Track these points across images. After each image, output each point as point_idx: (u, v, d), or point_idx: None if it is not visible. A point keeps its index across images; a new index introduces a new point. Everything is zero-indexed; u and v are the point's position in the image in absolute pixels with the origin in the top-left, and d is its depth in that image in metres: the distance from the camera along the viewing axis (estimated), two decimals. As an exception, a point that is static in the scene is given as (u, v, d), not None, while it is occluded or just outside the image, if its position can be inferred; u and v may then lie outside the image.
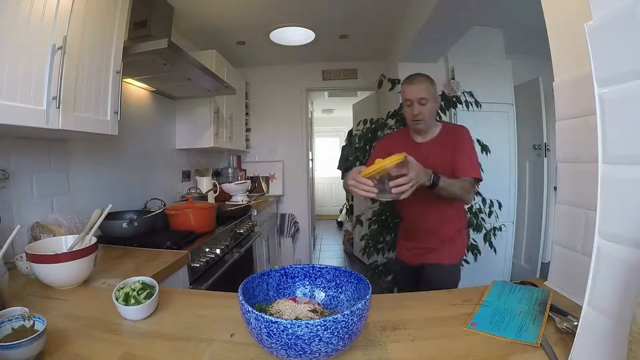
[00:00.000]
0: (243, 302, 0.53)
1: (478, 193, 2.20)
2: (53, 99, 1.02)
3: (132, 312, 0.72)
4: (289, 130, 3.68)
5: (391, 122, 2.51)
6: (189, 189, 2.46)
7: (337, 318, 0.48)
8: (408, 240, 1.50)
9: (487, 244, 2.28)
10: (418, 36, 2.33)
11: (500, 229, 2.34)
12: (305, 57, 3.33)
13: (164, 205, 1.87)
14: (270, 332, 0.49)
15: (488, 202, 2.30)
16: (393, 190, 0.97)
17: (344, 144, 4.64)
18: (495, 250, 2.29)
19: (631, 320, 0.38)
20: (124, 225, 1.44)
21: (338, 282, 0.69)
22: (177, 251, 1.36)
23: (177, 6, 2.05)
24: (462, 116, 2.62)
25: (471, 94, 2.32)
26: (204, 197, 2.35)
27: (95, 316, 0.74)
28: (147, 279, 0.79)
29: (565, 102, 0.79)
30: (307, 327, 0.47)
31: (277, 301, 0.67)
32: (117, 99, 1.36)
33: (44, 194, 1.35)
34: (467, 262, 2.13)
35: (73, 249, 0.92)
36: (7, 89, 0.90)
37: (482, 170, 1.42)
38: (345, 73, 3.60)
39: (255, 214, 2.58)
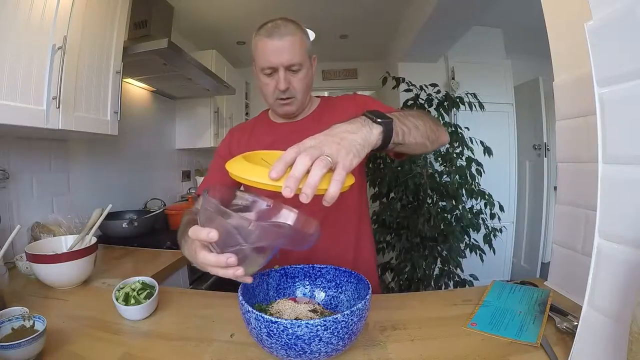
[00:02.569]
0: (243, 302, 0.53)
1: (479, 193, 2.20)
2: (53, 99, 1.02)
3: (132, 312, 0.72)
4: (289, 130, 3.67)
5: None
6: (189, 189, 2.46)
7: (337, 318, 0.48)
8: None
9: (486, 244, 2.28)
10: (418, 36, 2.33)
11: (500, 230, 2.34)
12: (305, 57, 3.32)
13: (164, 205, 1.87)
14: (270, 332, 0.49)
15: (489, 202, 2.29)
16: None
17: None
18: (494, 251, 2.29)
19: (631, 320, 0.38)
20: (124, 225, 1.44)
21: (338, 282, 0.69)
22: (177, 251, 1.36)
23: (177, 6, 2.04)
24: (462, 117, 2.62)
25: (474, 96, 2.32)
26: (204, 197, 2.34)
27: (95, 316, 0.74)
28: (147, 279, 0.79)
29: (565, 102, 0.79)
30: (307, 327, 0.47)
31: (277, 301, 0.67)
32: (117, 99, 1.36)
33: (44, 194, 1.35)
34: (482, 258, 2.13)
35: (73, 249, 0.92)
36: (7, 89, 0.90)
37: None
38: (345, 73, 3.60)
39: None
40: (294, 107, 0.90)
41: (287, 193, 0.42)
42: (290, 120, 0.95)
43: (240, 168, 0.49)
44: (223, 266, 0.49)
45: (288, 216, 0.59)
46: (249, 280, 0.54)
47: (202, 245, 0.52)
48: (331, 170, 0.46)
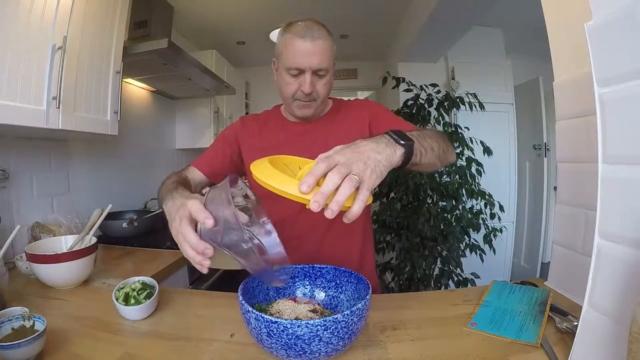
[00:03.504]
0: (243, 302, 0.53)
1: (479, 193, 2.20)
2: (53, 99, 1.02)
3: (132, 312, 0.72)
4: (289, 130, 3.67)
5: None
6: (189, 189, 2.46)
7: (337, 318, 0.48)
8: None
9: (486, 244, 2.28)
10: (418, 36, 2.33)
11: (500, 230, 2.34)
12: (305, 57, 3.32)
13: (164, 205, 1.87)
14: (270, 332, 0.49)
15: (489, 202, 2.29)
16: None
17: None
18: (494, 251, 2.29)
19: (631, 320, 0.38)
20: (124, 225, 1.44)
21: (338, 282, 0.69)
22: (177, 251, 1.34)
23: (177, 6, 2.05)
24: (462, 117, 2.62)
25: (475, 96, 2.32)
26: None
27: (95, 316, 0.74)
28: (147, 279, 0.79)
29: (565, 102, 0.79)
30: (307, 327, 0.47)
31: (277, 301, 0.67)
32: (117, 99, 1.36)
33: (44, 194, 1.35)
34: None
35: (73, 249, 0.92)
36: (7, 89, 0.90)
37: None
38: (345, 73, 3.60)
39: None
40: (312, 110, 0.89)
41: (315, 207, 0.43)
42: (303, 121, 0.94)
43: (268, 174, 0.49)
44: (198, 252, 0.50)
45: (275, 245, 0.60)
46: (205, 271, 0.53)
47: (190, 218, 0.52)
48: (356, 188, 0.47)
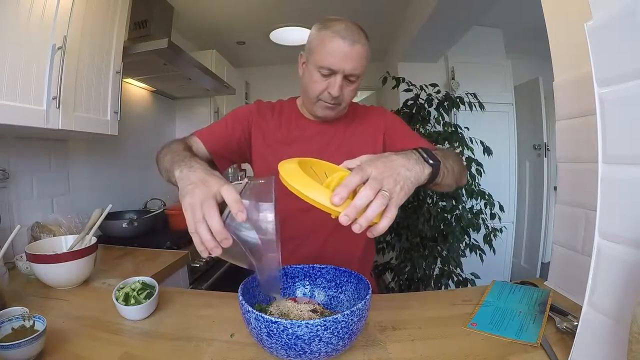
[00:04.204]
0: (243, 302, 0.53)
1: (479, 193, 2.20)
2: (53, 99, 1.02)
3: (132, 312, 0.72)
4: (289, 130, 3.67)
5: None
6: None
7: (337, 318, 0.48)
8: None
9: (486, 244, 2.28)
10: (418, 36, 2.33)
11: (500, 230, 2.34)
12: (305, 57, 3.32)
13: (164, 205, 1.87)
14: (270, 332, 0.49)
15: (489, 202, 2.29)
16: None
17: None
18: (494, 251, 2.29)
19: (631, 320, 0.38)
20: (124, 225, 1.44)
21: (338, 282, 0.69)
22: (177, 251, 1.36)
23: (177, 6, 2.05)
24: (462, 117, 2.62)
25: (475, 96, 2.32)
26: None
27: (95, 316, 0.74)
28: (147, 279, 0.79)
29: (565, 102, 0.79)
30: (307, 327, 0.47)
31: (277, 301, 0.67)
32: (117, 99, 1.36)
33: (44, 194, 1.35)
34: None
35: (73, 249, 0.92)
36: (7, 89, 0.90)
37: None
38: (345, 73, 3.60)
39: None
40: (335, 113, 0.87)
41: (345, 221, 0.44)
42: (320, 120, 0.91)
43: (298, 179, 0.47)
44: (218, 238, 0.47)
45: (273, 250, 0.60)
46: (204, 254, 0.50)
47: (214, 198, 0.49)
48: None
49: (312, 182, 0.47)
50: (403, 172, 0.50)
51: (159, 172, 0.73)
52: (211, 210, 0.48)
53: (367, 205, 0.45)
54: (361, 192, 0.45)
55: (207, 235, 0.47)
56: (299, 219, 0.85)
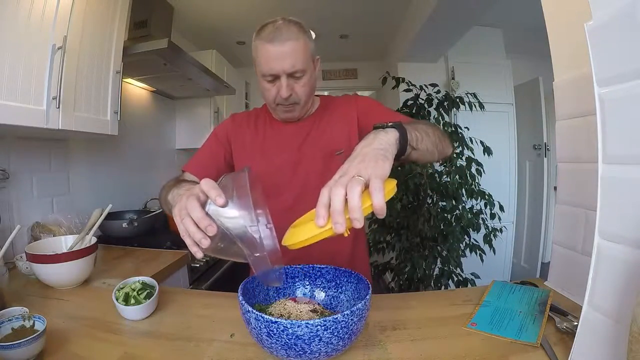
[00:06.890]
0: (243, 302, 0.53)
1: (479, 193, 2.20)
2: (53, 99, 1.02)
3: (132, 312, 0.72)
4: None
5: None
6: (189, 189, 2.46)
7: (337, 318, 0.48)
8: None
9: (486, 244, 2.28)
10: (418, 36, 2.33)
11: (500, 230, 2.34)
12: (305, 57, 3.33)
13: (164, 205, 1.87)
14: (270, 332, 0.49)
15: (489, 202, 2.29)
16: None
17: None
18: (494, 251, 2.29)
19: (631, 320, 0.38)
20: (124, 225, 1.44)
21: (338, 282, 0.69)
22: (177, 251, 1.36)
23: (177, 6, 2.05)
24: (462, 117, 2.62)
25: (475, 96, 2.32)
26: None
27: (95, 316, 0.74)
28: (147, 279, 0.79)
29: (565, 102, 0.79)
30: (307, 327, 0.47)
31: (277, 301, 0.67)
32: (117, 99, 1.36)
33: (44, 194, 1.35)
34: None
35: (73, 249, 0.92)
36: (7, 89, 0.90)
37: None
38: (345, 73, 3.60)
39: (255, 213, 2.58)
40: (296, 113, 0.87)
41: (340, 229, 0.42)
42: (291, 121, 0.93)
43: (294, 237, 0.48)
44: (201, 227, 0.48)
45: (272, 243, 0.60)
46: (199, 255, 0.51)
47: (196, 196, 0.50)
48: (367, 186, 0.45)
49: (301, 228, 0.48)
50: (367, 151, 0.49)
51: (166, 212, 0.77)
52: (191, 202, 0.49)
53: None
54: (332, 195, 0.44)
55: (192, 227, 0.48)
56: (284, 218, 0.84)
